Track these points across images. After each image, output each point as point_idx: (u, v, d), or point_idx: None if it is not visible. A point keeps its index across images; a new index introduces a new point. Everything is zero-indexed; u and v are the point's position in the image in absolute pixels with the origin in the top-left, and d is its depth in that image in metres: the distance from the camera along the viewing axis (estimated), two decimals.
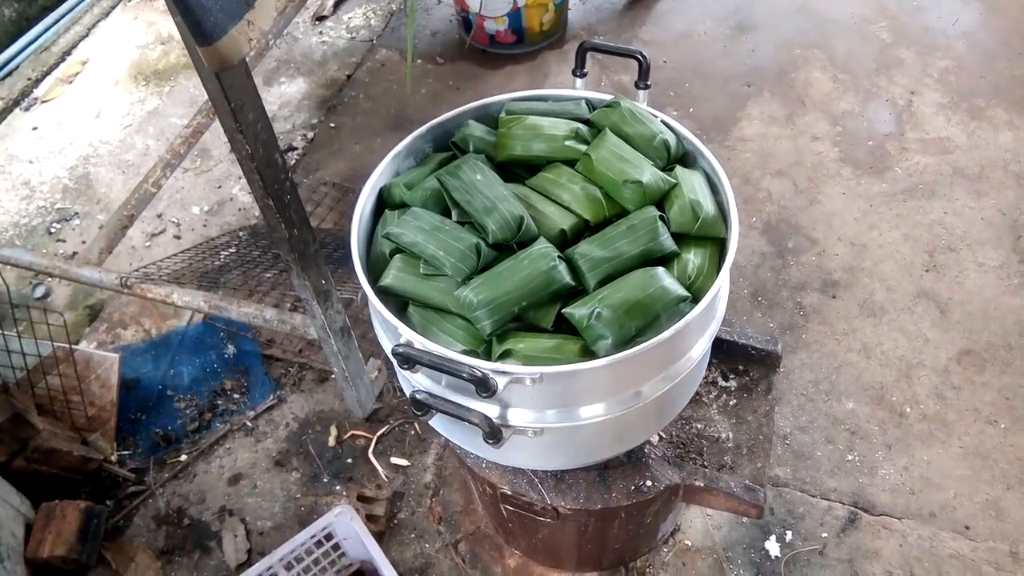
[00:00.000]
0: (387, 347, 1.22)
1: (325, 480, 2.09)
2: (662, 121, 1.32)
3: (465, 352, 1.12)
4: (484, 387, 1.00)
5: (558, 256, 1.13)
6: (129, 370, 2.34)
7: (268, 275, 2.13)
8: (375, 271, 1.24)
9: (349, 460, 2.13)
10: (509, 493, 1.42)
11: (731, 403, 1.59)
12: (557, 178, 1.26)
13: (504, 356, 1.09)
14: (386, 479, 2.09)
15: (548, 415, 1.13)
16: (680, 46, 3.19)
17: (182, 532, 2.05)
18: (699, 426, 1.56)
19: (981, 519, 1.93)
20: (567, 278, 1.13)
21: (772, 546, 1.91)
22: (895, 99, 2.89)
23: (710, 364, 1.62)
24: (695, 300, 1.13)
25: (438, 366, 0.99)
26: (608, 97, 1.36)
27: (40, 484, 2.05)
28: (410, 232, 1.17)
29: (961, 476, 1.99)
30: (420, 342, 1.08)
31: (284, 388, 2.30)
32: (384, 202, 1.32)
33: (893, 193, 2.60)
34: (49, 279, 2.58)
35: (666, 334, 1.06)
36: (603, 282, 1.14)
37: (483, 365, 1.04)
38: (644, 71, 1.35)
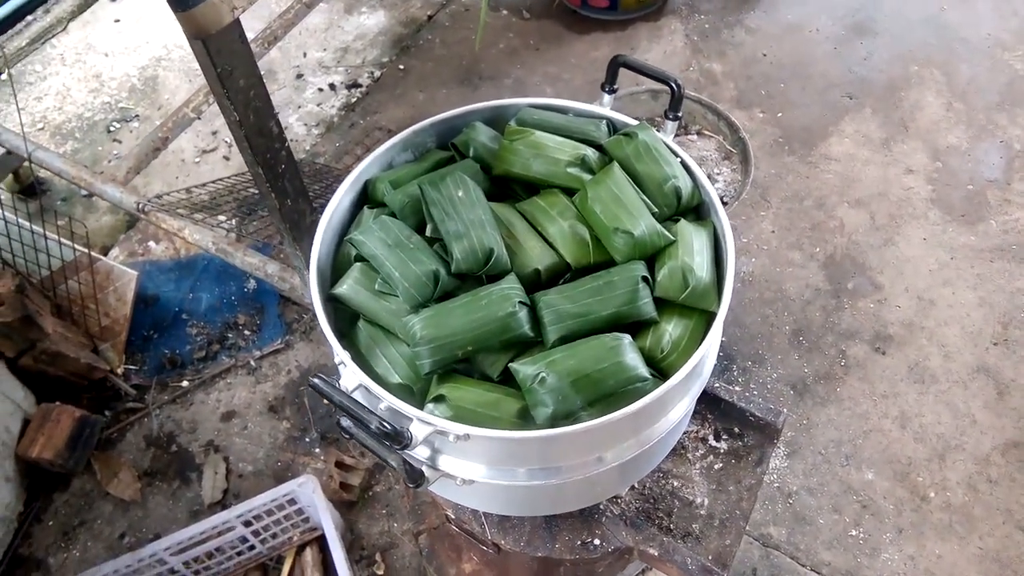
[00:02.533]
0: (333, 356, 1.14)
1: (308, 439, 2.07)
2: (682, 162, 1.17)
3: (400, 386, 1.04)
4: (396, 441, 0.92)
5: (520, 301, 1.02)
6: (152, 285, 2.36)
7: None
8: (338, 271, 1.16)
9: None
10: (453, 517, 1.35)
11: (716, 466, 1.46)
12: (549, 208, 1.14)
13: (438, 400, 1.00)
14: None
15: (479, 469, 1.04)
16: (786, 40, 2.92)
17: (168, 458, 2.08)
18: (675, 483, 1.44)
19: None
20: (525, 327, 1.02)
21: None
22: (1011, 142, 2.58)
23: (705, 419, 1.49)
24: (664, 377, 1.01)
25: (347, 410, 0.91)
26: (633, 122, 1.22)
27: (46, 384, 2.10)
28: (372, 242, 1.08)
29: None
30: (351, 368, 1.00)
31: (294, 334, 2.27)
32: (368, 196, 1.23)
33: (980, 249, 2.34)
34: None
35: (615, 415, 0.94)
36: (565, 339, 1.03)
37: (406, 409, 0.95)
38: (675, 101, 1.20)
